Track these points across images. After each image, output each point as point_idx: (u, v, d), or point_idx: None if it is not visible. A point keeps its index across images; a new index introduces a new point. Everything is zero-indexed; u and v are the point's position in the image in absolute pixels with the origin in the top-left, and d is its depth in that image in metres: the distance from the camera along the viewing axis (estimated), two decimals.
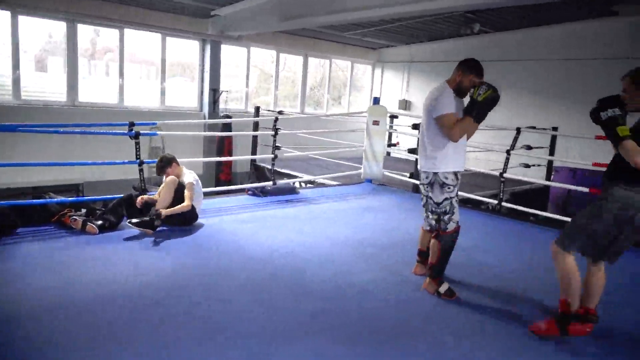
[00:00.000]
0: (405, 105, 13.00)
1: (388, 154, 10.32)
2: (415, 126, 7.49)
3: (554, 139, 8.68)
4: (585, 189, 5.32)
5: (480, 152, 7.36)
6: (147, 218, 4.32)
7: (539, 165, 8.58)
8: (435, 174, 3.35)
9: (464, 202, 6.22)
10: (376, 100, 7.62)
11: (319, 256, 4.08)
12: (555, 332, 2.84)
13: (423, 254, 3.79)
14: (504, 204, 5.97)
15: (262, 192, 6.07)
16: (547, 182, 7.73)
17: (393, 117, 8.93)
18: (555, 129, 8.22)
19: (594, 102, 2.70)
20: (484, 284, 3.66)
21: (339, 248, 4.34)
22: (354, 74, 13.94)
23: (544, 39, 10.23)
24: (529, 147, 7.24)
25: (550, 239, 2.86)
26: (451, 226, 3.38)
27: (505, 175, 5.94)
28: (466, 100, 3.41)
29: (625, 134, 2.60)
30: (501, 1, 6.65)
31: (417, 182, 5.87)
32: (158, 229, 4.36)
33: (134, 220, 4.29)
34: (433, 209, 3.42)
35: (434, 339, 2.80)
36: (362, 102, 13.82)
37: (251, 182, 7.57)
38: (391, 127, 8.94)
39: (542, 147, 8.25)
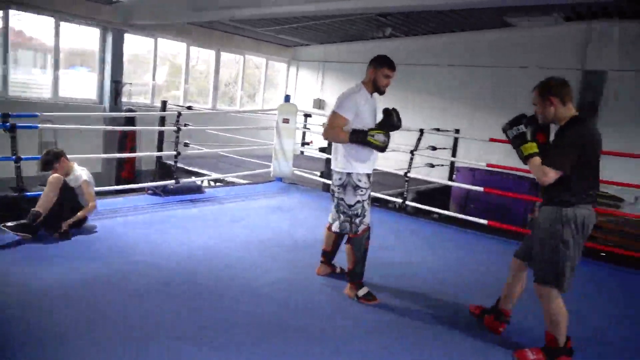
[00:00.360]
0: (320, 104, 13.08)
1: (301, 152, 10.32)
2: None
3: (456, 140, 9.14)
4: (481, 189, 5.63)
5: (388, 152, 7.54)
6: (25, 221, 3.86)
7: (442, 165, 8.99)
8: (349, 174, 3.32)
9: (372, 201, 6.31)
10: (287, 98, 7.54)
11: (220, 258, 3.89)
12: None
13: (327, 254, 3.77)
14: (409, 202, 6.15)
15: (164, 192, 5.71)
16: (449, 182, 8.12)
17: (307, 115, 8.91)
18: (457, 131, 8.67)
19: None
20: (392, 284, 3.68)
21: (243, 248, 4.18)
22: (269, 71, 13.76)
23: (447, 46, 10.78)
24: (433, 148, 7.55)
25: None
26: (361, 228, 3.38)
27: (409, 175, 6.13)
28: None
29: (529, 152, 2.57)
30: (410, 5, 6.86)
31: (328, 181, 5.86)
32: (39, 232, 3.92)
33: (10, 224, 3.82)
34: (345, 210, 3.38)
35: (332, 342, 2.75)
36: (278, 99, 13.65)
37: (157, 181, 7.12)
38: (305, 125, 8.91)
39: (446, 149, 8.68)
